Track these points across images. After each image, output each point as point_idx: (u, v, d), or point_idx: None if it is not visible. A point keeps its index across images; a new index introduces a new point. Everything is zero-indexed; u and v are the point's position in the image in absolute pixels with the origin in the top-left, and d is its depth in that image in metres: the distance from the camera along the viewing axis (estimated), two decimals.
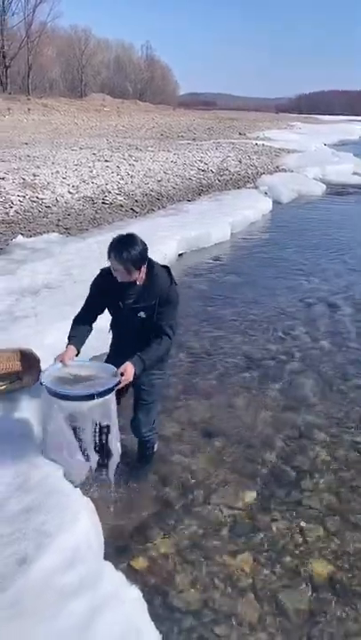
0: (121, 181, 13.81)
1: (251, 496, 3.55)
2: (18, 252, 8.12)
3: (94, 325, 3.25)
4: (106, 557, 2.61)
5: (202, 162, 18.40)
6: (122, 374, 2.85)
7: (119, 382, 2.83)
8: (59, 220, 10.32)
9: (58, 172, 13.75)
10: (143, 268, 2.92)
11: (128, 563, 2.94)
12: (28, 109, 38.35)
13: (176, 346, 5.69)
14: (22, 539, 2.44)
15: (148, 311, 3.01)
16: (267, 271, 8.67)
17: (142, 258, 2.88)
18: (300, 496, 3.57)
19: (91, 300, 3.20)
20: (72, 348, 3.06)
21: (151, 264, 3.00)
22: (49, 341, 4.41)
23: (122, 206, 11.79)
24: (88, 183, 13.10)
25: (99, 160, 16.50)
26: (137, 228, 9.63)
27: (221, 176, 16.71)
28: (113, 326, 3.30)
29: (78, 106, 46.44)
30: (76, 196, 12.06)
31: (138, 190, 13.32)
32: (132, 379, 2.90)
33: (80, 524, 2.58)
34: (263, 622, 2.69)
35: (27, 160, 15.67)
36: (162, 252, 8.19)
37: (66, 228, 9.77)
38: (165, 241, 8.72)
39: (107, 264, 2.97)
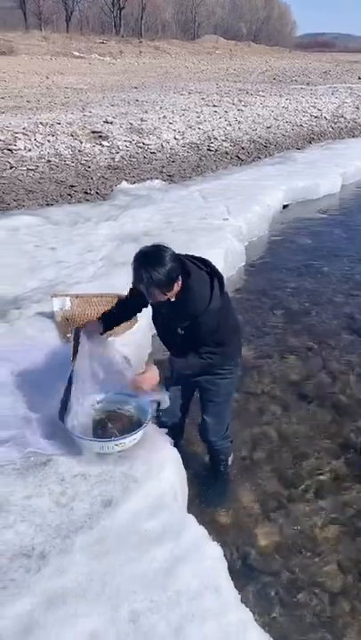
0: (228, 127, 13.38)
1: (341, 463, 3.41)
2: (121, 197, 8.17)
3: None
4: (189, 509, 2.62)
5: (315, 108, 17.32)
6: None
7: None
8: (162, 166, 10.23)
9: (165, 116, 13.57)
10: (175, 287, 2.38)
11: (211, 517, 2.95)
12: (140, 52, 38.05)
13: (273, 302, 5.53)
14: (110, 481, 2.49)
15: (185, 329, 2.52)
16: None
17: (170, 280, 2.31)
18: None
19: (133, 291, 2.74)
20: (96, 323, 2.89)
21: (187, 274, 2.43)
22: None
23: (227, 153, 11.44)
24: (194, 129, 12.82)
25: (207, 105, 16.06)
26: (241, 176, 9.34)
27: (335, 123, 15.67)
28: (154, 323, 2.80)
29: (190, 48, 45.34)
30: (182, 142, 11.85)
31: (245, 137, 12.84)
32: (150, 381, 2.54)
33: (166, 473, 2.59)
34: (345, 592, 2.62)
35: (135, 104, 15.60)
36: (266, 202, 7.89)
37: (169, 175, 9.67)
38: (270, 191, 8.36)
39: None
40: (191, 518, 2.39)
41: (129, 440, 2.56)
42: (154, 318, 2.74)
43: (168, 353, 2.73)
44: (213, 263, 2.61)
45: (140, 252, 2.33)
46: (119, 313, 2.95)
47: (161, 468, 2.59)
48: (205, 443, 3.10)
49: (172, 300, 2.44)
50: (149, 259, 2.29)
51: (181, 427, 3.18)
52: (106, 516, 2.31)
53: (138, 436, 2.58)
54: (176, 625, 1.90)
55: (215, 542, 2.27)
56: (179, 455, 2.79)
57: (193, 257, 2.56)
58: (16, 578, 2.03)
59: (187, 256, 2.53)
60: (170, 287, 2.35)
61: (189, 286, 2.42)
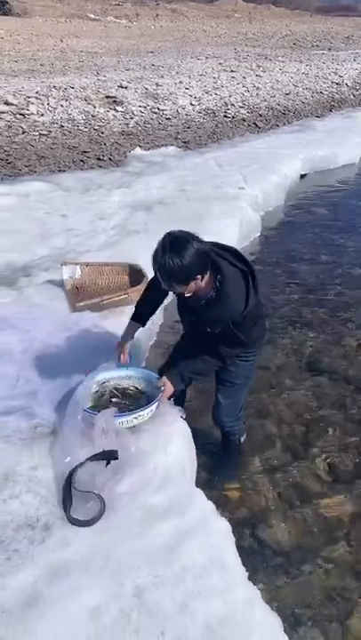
0: (246, 93, 13.00)
1: (354, 440, 3.34)
2: (135, 164, 8.00)
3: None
4: (198, 484, 2.56)
5: (336, 74, 16.74)
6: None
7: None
8: (178, 132, 9.98)
9: (181, 82, 13.20)
10: (193, 285, 2.19)
11: (219, 492, 2.91)
12: (157, 15, 37.02)
13: (288, 273, 5.41)
14: None
15: (213, 329, 2.40)
16: None
17: (185, 276, 2.12)
18: None
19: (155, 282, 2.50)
20: (133, 325, 2.70)
21: (221, 275, 2.26)
22: None
23: (244, 120, 11.14)
24: (211, 94, 12.47)
25: (224, 70, 15.59)
26: (258, 144, 9.10)
27: (357, 90, 15.17)
28: (179, 313, 2.64)
29: (208, 11, 44.00)
30: (198, 107, 11.55)
31: (263, 104, 12.47)
32: (171, 393, 2.58)
33: (174, 447, 2.53)
34: (356, 572, 2.56)
35: (151, 69, 15.18)
36: (283, 172, 7.67)
37: (184, 142, 9.44)
38: (288, 160, 8.12)
39: None
40: (198, 493, 2.34)
41: (147, 412, 2.49)
42: (180, 310, 2.59)
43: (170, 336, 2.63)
44: (231, 235, 2.46)
45: (168, 235, 2.14)
46: (152, 305, 2.72)
47: (169, 442, 2.53)
48: (217, 424, 2.98)
49: (189, 295, 2.27)
50: (173, 245, 2.09)
51: (183, 392, 3.08)
52: (111, 487, 2.26)
53: (155, 407, 2.52)
54: (181, 601, 1.86)
55: (223, 518, 2.21)
56: (188, 429, 2.73)
57: (224, 248, 2.37)
58: (20, 549, 2.00)
59: (216, 247, 2.33)
60: (183, 282, 2.15)
61: (224, 289, 2.25)
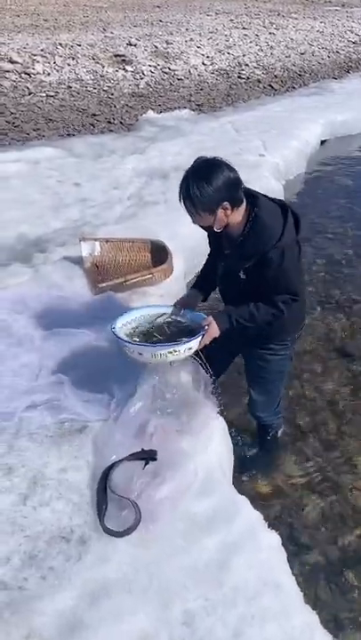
0: (260, 53, 12.40)
1: None
2: (147, 128, 7.62)
3: None
4: (233, 481, 2.40)
5: (352, 32, 16.01)
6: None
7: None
8: (190, 94, 9.53)
9: (192, 39, 12.58)
10: (221, 214, 2.00)
11: (253, 487, 2.76)
12: None
13: (313, 249, 5.14)
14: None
15: (249, 273, 2.13)
16: None
17: (211, 201, 1.95)
18: None
19: (209, 240, 2.41)
20: (193, 292, 2.48)
21: (255, 206, 2.07)
22: (182, 232, 4.05)
23: (259, 82, 10.63)
24: (223, 54, 11.89)
25: (236, 27, 14.87)
26: (275, 107, 8.69)
27: None
28: (215, 272, 2.41)
29: None
30: (210, 68, 11.02)
31: (278, 64, 11.91)
32: (215, 335, 2.19)
33: (214, 445, 2.35)
34: None
35: (159, 26, 14.47)
36: (303, 137, 7.31)
37: (198, 105, 9.01)
38: (307, 125, 7.74)
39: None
40: (243, 500, 2.15)
41: (184, 348, 2.15)
42: (215, 264, 2.36)
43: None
44: None
45: (196, 162, 2.02)
46: (210, 278, 2.47)
47: (209, 440, 2.35)
48: (254, 418, 2.80)
49: (218, 229, 2.08)
50: (198, 172, 1.96)
51: (224, 364, 2.77)
52: (154, 493, 2.08)
53: (194, 344, 2.18)
54: (234, 627, 1.69)
55: (274, 531, 2.03)
56: (225, 424, 2.54)
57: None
58: (55, 566, 1.82)
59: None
60: (209, 211, 1.99)
61: (257, 216, 2.06)
